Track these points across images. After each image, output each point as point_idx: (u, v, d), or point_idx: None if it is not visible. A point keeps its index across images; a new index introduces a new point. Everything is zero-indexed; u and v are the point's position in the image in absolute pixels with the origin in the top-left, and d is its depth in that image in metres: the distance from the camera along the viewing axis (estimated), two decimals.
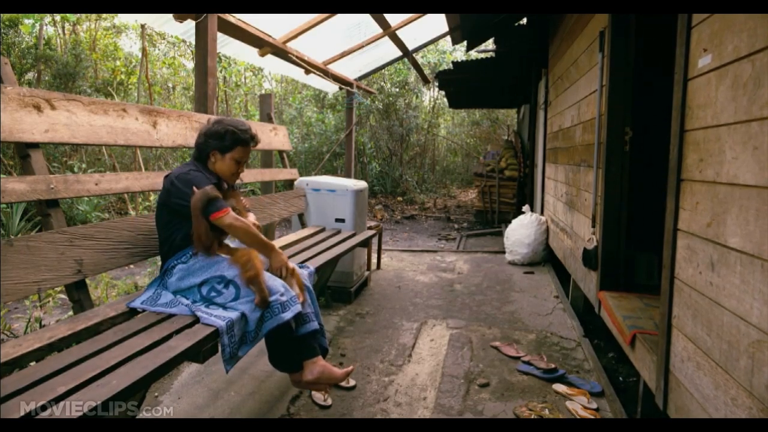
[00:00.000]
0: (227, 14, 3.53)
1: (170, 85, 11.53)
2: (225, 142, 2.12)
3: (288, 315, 1.97)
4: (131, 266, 5.07)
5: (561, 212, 4.45)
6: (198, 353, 1.67)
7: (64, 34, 9.35)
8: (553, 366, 2.64)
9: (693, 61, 1.60)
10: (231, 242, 2.18)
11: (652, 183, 3.05)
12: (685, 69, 1.64)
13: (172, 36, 9.55)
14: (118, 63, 8.99)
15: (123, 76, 8.67)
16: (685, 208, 1.63)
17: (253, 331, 1.87)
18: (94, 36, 9.53)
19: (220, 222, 1.97)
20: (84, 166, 7.43)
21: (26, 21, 7.61)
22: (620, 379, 2.76)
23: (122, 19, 9.46)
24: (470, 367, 2.78)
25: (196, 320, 1.81)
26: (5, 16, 7.07)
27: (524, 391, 2.51)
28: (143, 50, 7.51)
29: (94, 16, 9.23)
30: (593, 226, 3.08)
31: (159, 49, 11.27)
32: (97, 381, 1.36)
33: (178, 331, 1.71)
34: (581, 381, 2.51)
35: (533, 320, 3.51)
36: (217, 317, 1.80)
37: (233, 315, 1.82)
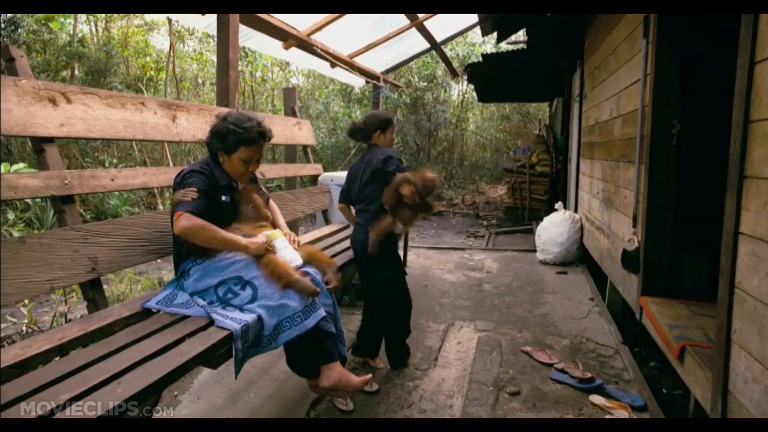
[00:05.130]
0: None
1: (199, 80, 11.65)
2: (228, 143, 1.98)
3: (310, 322, 1.86)
4: (158, 261, 5.11)
5: (597, 210, 4.22)
6: (211, 358, 1.59)
7: (97, 31, 9.54)
8: (589, 375, 2.46)
9: (762, 40, 1.40)
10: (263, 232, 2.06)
11: (703, 180, 2.83)
12: (751, 50, 1.44)
13: (200, 32, 9.62)
14: (148, 59, 9.11)
15: (153, 72, 8.78)
16: (749, 209, 1.44)
17: (269, 336, 1.77)
18: (126, 33, 9.69)
19: (173, 227, 1.81)
20: (115, 161, 7.56)
21: (62, 20, 7.78)
22: (664, 391, 2.55)
23: (152, 15, 9.57)
24: (500, 374, 2.64)
25: (211, 322, 1.73)
26: (40, 15, 7.22)
27: (558, 401, 2.35)
28: (171, 46, 7.57)
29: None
30: (634, 226, 2.87)
31: (188, 46, 11.39)
32: (103, 388, 1.28)
33: (191, 334, 1.63)
34: (621, 393, 2.32)
35: (567, 324, 3.32)
36: (232, 320, 1.71)
37: (249, 318, 1.73)
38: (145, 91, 8.39)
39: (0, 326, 3.02)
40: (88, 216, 6.39)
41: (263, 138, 2.04)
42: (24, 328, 3.06)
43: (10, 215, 4.98)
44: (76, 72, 7.92)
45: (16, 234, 4.59)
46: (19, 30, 6.82)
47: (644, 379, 2.48)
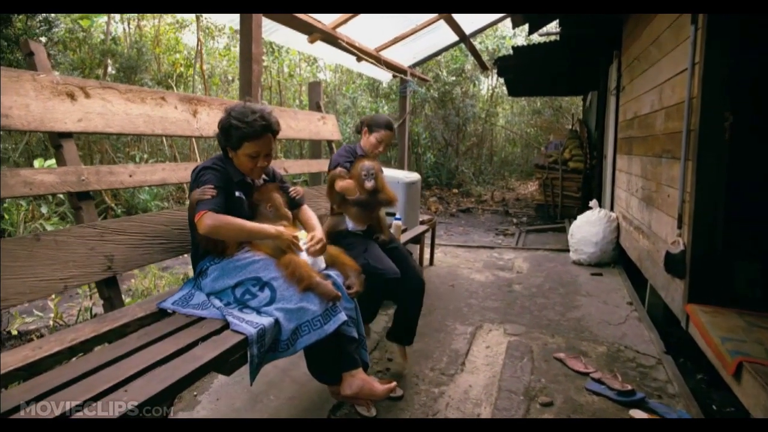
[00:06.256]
0: None
1: (229, 77, 11.74)
2: (231, 139, 1.89)
3: (330, 327, 1.77)
4: (185, 255, 5.12)
5: (635, 209, 3.99)
6: (224, 364, 1.51)
7: (129, 29, 9.72)
8: (629, 387, 2.28)
9: None
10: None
11: (757, 178, 2.60)
12: None
13: (227, 28, 9.67)
14: (178, 56, 9.22)
15: (182, 69, 8.88)
16: None
17: (287, 341, 1.68)
18: (158, 31, 9.84)
19: (198, 228, 1.74)
20: (146, 156, 7.67)
21: (93, 18, 7.93)
22: (714, 408, 2.35)
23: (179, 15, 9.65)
24: (530, 382, 2.49)
25: (226, 325, 1.65)
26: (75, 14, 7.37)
27: (595, 415, 2.19)
28: (198, 42, 7.61)
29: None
30: (679, 227, 2.66)
31: (218, 42, 11.49)
32: (109, 395, 1.22)
33: (205, 338, 1.56)
34: (665, 408, 2.14)
35: (603, 330, 3.14)
36: (248, 323, 1.63)
37: (266, 321, 1.64)
38: (174, 87, 8.49)
39: (1, 325, 3.05)
40: (119, 210, 6.50)
41: (268, 131, 1.91)
42: (51, 323, 3.08)
43: (44, 209, 5.07)
44: (110, 69, 8.07)
45: (49, 228, 4.68)
46: (54, 29, 6.98)
47: (691, 394, 2.28)
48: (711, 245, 2.43)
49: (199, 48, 7.72)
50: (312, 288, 1.78)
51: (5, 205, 4.92)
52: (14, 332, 2.99)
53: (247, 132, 1.85)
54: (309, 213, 2.24)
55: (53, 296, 3.10)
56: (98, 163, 7.07)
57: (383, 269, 2.36)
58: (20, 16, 6.23)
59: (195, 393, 2.39)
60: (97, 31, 8.44)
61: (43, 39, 6.84)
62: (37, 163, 4.75)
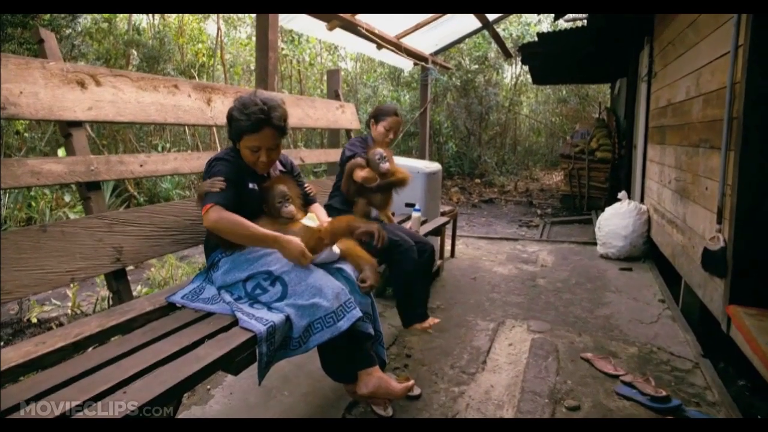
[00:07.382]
0: None
1: (251, 66, 11.74)
2: (232, 130, 1.83)
3: (344, 324, 1.68)
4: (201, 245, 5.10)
5: (668, 201, 3.79)
6: (231, 363, 1.44)
7: (153, 20, 9.77)
8: (663, 393, 2.13)
9: None
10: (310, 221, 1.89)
11: None
12: None
13: (248, 18, 9.63)
14: (200, 46, 9.24)
15: (205, 59, 8.90)
16: None
17: (298, 338, 1.61)
18: (182, 22, 9.87)
19: (203, 221, 1.67)
20: (168, 145, 7.72)
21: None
22: (758, 417, 2.19)
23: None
24: (556, 383, 2.37)
25: (235, 322, 1.59)
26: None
27: None
28: (218, 31, 7.58)
29: None
30: (719, 222, 2.48)
31: (240, 32, 11.48)
32: (108, 397, 1.16)
33: (211, 335, 1.49)
34: (704, 417, 2.00)
35: (634, 329, 2.98)
36: (258, 320, 1.56)
37: (276, 318, 1.57)
38: (197, 77, 8.51)
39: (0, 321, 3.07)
40: (142, 199, 6.55)
41: (266, 125, 1.78)
42: (69, 311, 3.10)
43: (67, 197, 5.13)
44: (134, 59, 8.13)
45: (72, 216, 4.72)
46: (79, 20, 7.03)
47: (734, 402, 2.12)
48: (755, 242, 2.26)
49: (219, 37, 7.68)
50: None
51: (32, 193, 4.99)
52: (34, 320, 3.01)
53: (244, 125, 1.77)
54: (320, 212, 2.19)
55: (71, 285, 3.11)
56: (122, 152, 7.14)
57: (425, 241, 2.67)
58: None
59: (208, 387, 2.35)
60: (122, 22, 8.50)
61: (68, 30, 6.92)
62: (60, 152, 4.79)
